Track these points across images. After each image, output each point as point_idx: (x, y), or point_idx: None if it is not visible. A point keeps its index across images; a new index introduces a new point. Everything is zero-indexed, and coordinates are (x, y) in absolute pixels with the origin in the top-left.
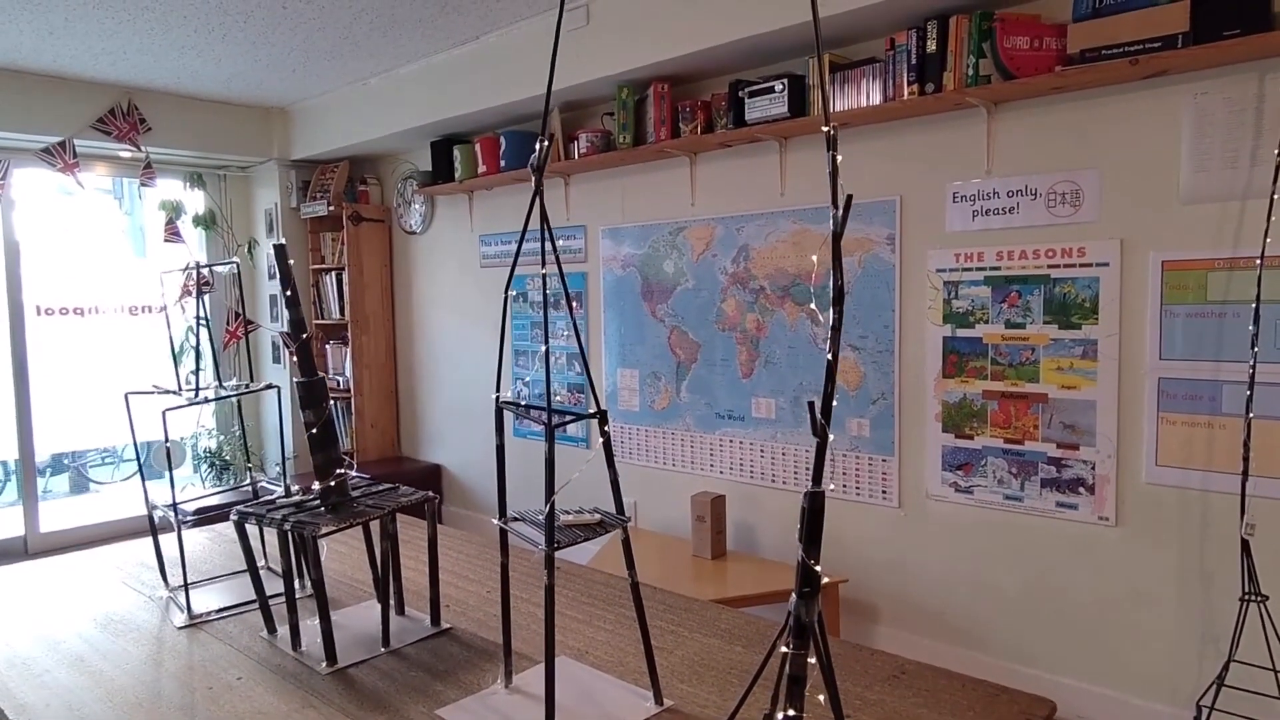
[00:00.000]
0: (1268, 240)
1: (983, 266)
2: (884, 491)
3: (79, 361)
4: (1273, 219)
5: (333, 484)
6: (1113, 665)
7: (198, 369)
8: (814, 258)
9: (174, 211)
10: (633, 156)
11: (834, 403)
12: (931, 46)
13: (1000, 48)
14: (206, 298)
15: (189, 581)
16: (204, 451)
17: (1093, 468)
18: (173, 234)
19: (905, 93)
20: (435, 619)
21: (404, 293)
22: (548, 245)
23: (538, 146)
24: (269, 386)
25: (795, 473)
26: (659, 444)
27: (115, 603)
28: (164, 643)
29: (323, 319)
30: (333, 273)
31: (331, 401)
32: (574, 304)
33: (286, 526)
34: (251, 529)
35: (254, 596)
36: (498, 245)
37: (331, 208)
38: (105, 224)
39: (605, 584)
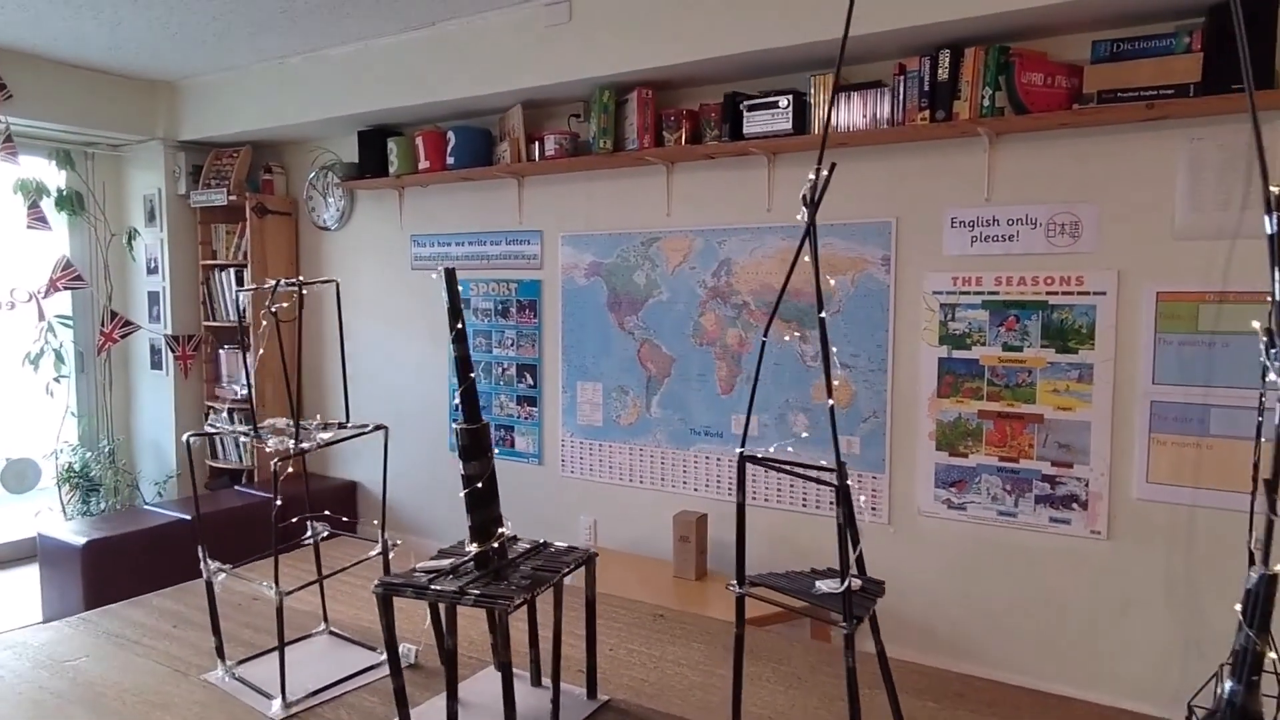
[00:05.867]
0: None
1: (980, 291)
2: (874, 508)
3: None
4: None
5: (496, 546)
6: (1103, 671)
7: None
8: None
9: (36, 193)
10: (608, 162)
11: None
12: (944, 74)
13: (1018, 82)
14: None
15: (246, 656)
16: (65, 469)
17: (1086, 485)
18: (37, 219)
19: (916, 118)
20: (592, 691)
21: (313, 294)
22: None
23: (813, 176)
24: (379, 428)
25: (778, 490)
26: (624, 460)
27: (147, 680)
28: None
29: (214, 321)
30: (229, 269)
31: (495, 451)
32: (529, 313)
33: (468, 601)
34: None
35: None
36: (434, 247)
37: (232, 196)
38: None
39: (728, 633)
